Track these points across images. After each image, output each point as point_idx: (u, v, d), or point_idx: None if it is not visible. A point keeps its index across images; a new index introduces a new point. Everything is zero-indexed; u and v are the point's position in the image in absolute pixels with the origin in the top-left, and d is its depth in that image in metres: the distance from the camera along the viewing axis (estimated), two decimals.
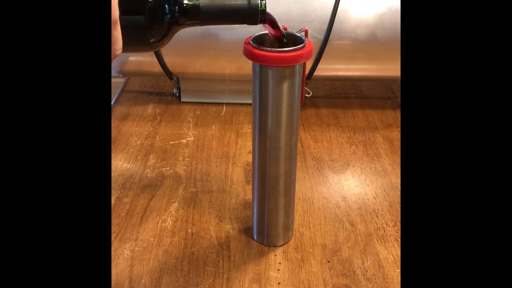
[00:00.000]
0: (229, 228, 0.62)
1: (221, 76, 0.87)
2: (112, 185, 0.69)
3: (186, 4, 0.44)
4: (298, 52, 0.47)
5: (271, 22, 0.48)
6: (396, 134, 0.82)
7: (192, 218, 0.63)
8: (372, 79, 0.93)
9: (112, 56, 0.38)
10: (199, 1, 0.45)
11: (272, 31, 0.49)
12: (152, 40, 0.44)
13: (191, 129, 0.83)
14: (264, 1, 0.46)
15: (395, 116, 0.88)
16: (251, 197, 0.61)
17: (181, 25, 0.45)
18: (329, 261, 0.57)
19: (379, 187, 0.70)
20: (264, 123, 0.51)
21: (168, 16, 0.44)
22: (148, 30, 0.43)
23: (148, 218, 0.63)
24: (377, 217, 0.64)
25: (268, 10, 0.47)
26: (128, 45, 0.40)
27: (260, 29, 0.50)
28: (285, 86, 0.49)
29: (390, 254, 0.58)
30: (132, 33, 0.42)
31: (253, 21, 0.47)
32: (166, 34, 0.45)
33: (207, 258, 0.57)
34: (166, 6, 0.44)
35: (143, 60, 0.87)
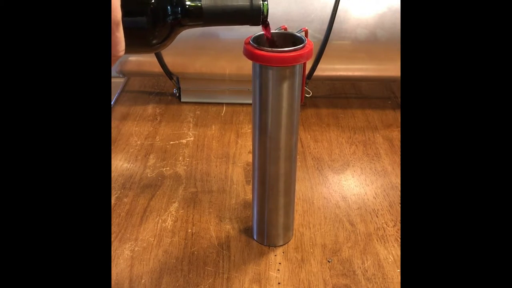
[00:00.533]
0: (229, 228, 0.62)
1: (221, 76, 0.87)
2: (112, 185, 0.69)
3: (189, 5, 0.44)
4: (298, 52, 0.47)
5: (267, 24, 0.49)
6: (396, 134, 0.82)
7: (192, 218, 0.63)
8: (372, 79, 0.93)
9: (115, 57, 0.38)
10: (202, 2, 0.45)
11: (266, 32, 0.50)
12: (154, 42, 0.44)
13: (191, 129, 0.83)
14: (266, 2, 0.46)
15: (395, 116, 0.88)
16: (251, 197, 0.61)
17: (183, 26, 0.45)
18: (329, 261, 0.57)
19: (379, 187, 0.70)
20: (264, 123, 0.51)
21: (171, 17, 0.44)
22: (151, 31, 0.43)
23: (148, 218, 0.63)
24: (377, 217, 0.64)
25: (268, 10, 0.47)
26: (131, 47, 0.40)
27: (261, 29, 0.50)
28: (285, 86, 0.49)
29: (390, 254, 0.58)
30: (135, 34, 0.42)
31: (255, 22, 0.47)
32: (168, 35, 0.45)
33: (207, 258, 0.57)
34: (169, 7, 0.44)
35: (143, 60, 0.87)
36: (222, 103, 0.91)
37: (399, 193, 0.68)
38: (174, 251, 0.58)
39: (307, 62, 0.51)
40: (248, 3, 0.45)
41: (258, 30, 0.50)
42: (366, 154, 0.77)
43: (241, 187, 0.69)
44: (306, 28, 0.51)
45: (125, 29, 0.38)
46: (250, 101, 0.53)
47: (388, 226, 0.62)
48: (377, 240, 0.60)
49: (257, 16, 0.46)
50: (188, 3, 0.44)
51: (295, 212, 0.61)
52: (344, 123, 0.85)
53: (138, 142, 0.79)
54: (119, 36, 0.38)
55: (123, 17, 0.37)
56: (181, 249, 0.58)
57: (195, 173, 0.72)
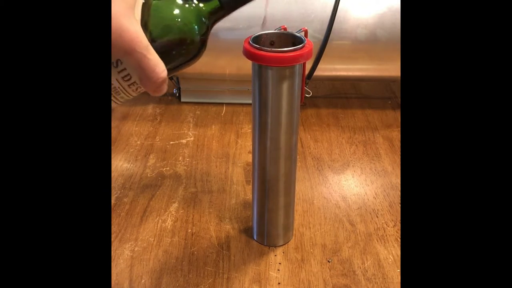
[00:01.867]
0: (229, 228, 0.62)
1: (221, 76, 0.87)
2: (112, 185, 0.69)
3: (211, 9, 0.44)
4: (298, 52, 0.47)
5: None
6: (396, 134, 0.82)
7: (192, 218, 0.63)
8: (372, 79, 0.93)
9: (159, 80, 0.38)
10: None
11: None
12: (190, 57, 0.44)
13: (191, 129, 0.83)
14: None
15: (395, 116, 0.88)
16: (251, 197, 0.61)
17: (211, 27, 0.45)
18: (329, 261, 0.57)
19: (379, 187, 0.70)
20: (264, 123, 0.51)
21: (200, 31, 0.43)
22: (186, 50, 0.43)
23: (148, 218, 0.63)
24: (377, 217, 0.64)
25: (268, 10, 0.47)
26: (170, 70, 0.40)
27: (260, 29, 0.50)
28: (285, 86, 0.49)
29: (390, 254, 0.58)
30: (170, 56, 0.42)
31: None
32: (203, 44, 0.44)
33: (207, 258, 0.57)
34: (196, 26, 0.43)
35: None
36: (222, 103, 0.91)
37: (399, 193, 0.68)
38: (174, 251, 0.58)
39: (307, 62, 0.51)
40: None
41: (257, 30, 0.50)
42: (366, 154, 0.77)
43: (241, 187, 0.69)
44: (306, 28, 0.51)
45: (159, 53, 0.38)
46: (250, 101, 0.53)
47: (388, 226, 0.62)
48: (377, 240, 0.60)
49: None
50: (208, 8, 0.44)
51: (295, 212, 0.61)
52: (344, 123, 0.85)
53: (138, 142, 0.79)
54: (152, 58, 0.37)
55: (152, 42, 0.37)
56: (181, 249, 0.58)
57: (195, 173, 0.72)
